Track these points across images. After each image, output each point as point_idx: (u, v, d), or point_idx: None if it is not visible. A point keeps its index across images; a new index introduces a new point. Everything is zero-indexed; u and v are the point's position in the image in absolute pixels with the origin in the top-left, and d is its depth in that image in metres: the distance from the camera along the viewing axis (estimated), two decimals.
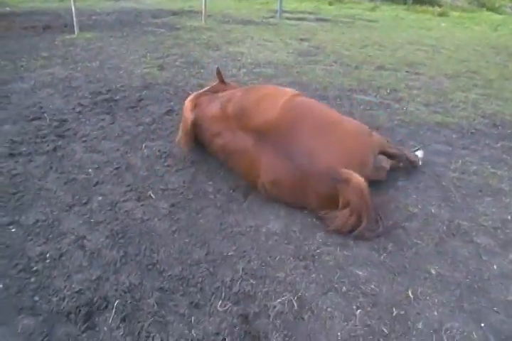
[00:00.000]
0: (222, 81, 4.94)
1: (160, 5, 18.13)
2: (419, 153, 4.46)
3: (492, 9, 24.77)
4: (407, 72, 8.65)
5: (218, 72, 4.92)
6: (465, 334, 2.48)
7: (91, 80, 6.97)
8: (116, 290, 2.71)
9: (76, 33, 10.50)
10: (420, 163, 4.36)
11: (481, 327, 2.54)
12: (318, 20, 15.63)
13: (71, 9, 10.56)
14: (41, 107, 5.72)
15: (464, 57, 10.45)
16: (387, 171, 3.97)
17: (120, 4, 17.77)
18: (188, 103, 4.47)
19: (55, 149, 4.56)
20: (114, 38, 10.48)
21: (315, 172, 3.29)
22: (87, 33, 10.64)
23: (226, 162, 4.04)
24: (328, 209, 3.39)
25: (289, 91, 4.02)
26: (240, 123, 3.77)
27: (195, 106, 4.37)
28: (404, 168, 4.25)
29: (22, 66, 7.69)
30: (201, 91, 4.76)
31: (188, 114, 4.33)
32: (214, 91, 4.69)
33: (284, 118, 3.57)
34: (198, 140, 4.35)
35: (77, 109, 5.69)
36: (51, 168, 4.19)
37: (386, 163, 3.97)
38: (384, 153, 3.97)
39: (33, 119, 5.31)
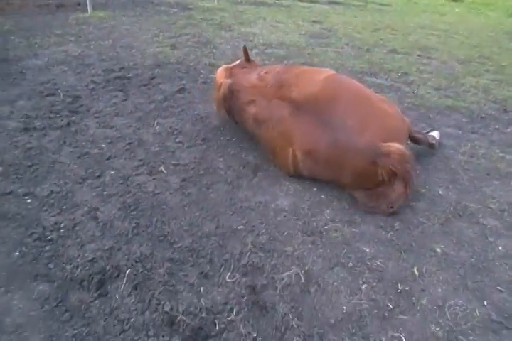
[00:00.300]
0: (247, 59, 4.92)
1: None
2: (436, 134, 4.49)
3: None
4: (418, 56, 8.63)
5: (245, 50, 4.89)
6: (468, 311, 2.53)
7: (104, 58, 7.00)
8: (127, 259, 2.78)
9: (89, 11, 10.50)
10: (437, 144, 4.38)
11: (484, 305, 2.59)
12: (330, 3, 15.53)
13: None
14: (55, 84, 5.77)
15: (477, 43, 10.38)
16: None
17: None
18: (221, 71, 4.54)
19: (68, 124, 4.61)
20: (127, 17, 10.48)
21: (355, 147, 3.25)
22: (99, 12, 10.64)
23: (255, 130, 4.01)
24: (361, 188, 3.44)
25: (329, 70, 4.01)
26: (278, 93, 3.75)
27: (230, 74, 4.41)
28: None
29: (36, 43, 7.71)
30: (230, 65, 4.79)
31: (222, 79, 4.37)
32: (241, 67, 4.71)
33: (325, 91, 3.54)
34: (229, 108, 4.35)
35: (91, 86, 5.74)
36: (65, 142, 4.25)
37: None
38: (410, 137, 4.02)
39: (47, 95, 5.36)
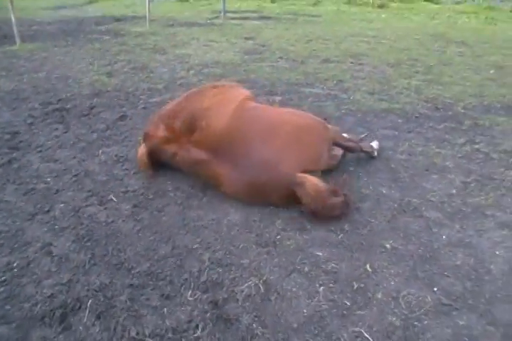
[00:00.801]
0: None
1: (102, 12, 17.95)
2: (375, 144, 4.58)
3: None
4: (351, 63, 8.91)
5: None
6: (420, 298, 2.68)
7: (39, 91, 6.91)
8: (88, 290, 2.78)
9: (17, 43, 10.31)
10: (376, 153, 4.49)
11: (434, 291, 2.74)
12: (261, 18, 15.81)
13: (9, 19, 10.35)
14: None
15: (405, 46, 10.80)
16: (339, 159, 4.18)
17: (61, 13, 17.52)
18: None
19: (10, 161, 4.54)
20: (59, 47, 10.37)
21: (273, 180, 3.41)
22: (29, 44, 10.48)
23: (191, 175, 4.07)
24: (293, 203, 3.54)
25: (238, 91, 4.09)
26: (191, 138, 3.82)
27: (147, 138, 4.24)
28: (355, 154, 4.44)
29: None
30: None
31: (140, 152, 4.27)
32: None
33: (233, 128, 3.63)
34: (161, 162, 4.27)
35: (29, 121, 5.66)
36: (8, 180, 4.18)
37: (338, 151, 4.16)
38: (337, 144, 4.09)
39: None
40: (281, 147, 3.48)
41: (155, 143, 4.09)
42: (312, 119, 3.92)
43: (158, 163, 4.21)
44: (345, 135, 4.32)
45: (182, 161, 3.95)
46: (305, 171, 3.45)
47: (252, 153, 3.48)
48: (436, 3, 23.84)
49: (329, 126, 4.06)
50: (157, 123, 4.13)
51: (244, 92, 4.20)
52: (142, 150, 4.22)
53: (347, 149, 4.22)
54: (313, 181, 3.35)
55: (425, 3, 23.66)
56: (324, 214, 3.39)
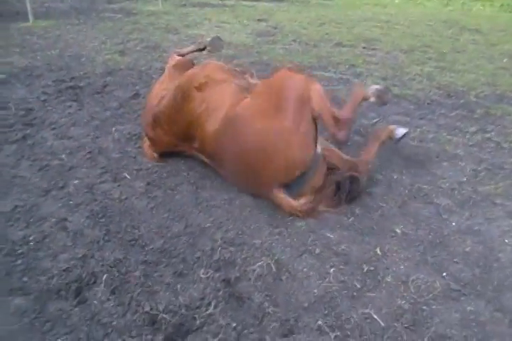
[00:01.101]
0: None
1: None
2: (400, 131, 3.90)
3: None
4: (364, 48, 8.88)
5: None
6: (429, 283, 2.72)
7: (53, 69, 6.95)
8: (102, 265, 2.84)
9: (31, 20, 10.32)
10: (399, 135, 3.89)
11: (443, 276, 2.79)
12: (274, 0, 15.69)
13: None
14: (4, 97, 5.70)
15: (418, 32, 10.74)
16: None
17: None
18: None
19: (24, 137, 4.60)
20: (71, 25, 10.38)
21: (258, 192, 3.51)
22: (42, 21, 10.50)
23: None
24: None
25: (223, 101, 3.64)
26: (193, 146, 3.87)
27: (153, 143, 4.23)
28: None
29: None
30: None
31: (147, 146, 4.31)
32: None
33: (219, 141, 3.52)
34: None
35: (42, 98, 5.70)
36: (23, 156, 4.24)
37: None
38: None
39: None
40: (256, 164, 3.30)
41: (163, 147, 4.14)
42: (278, 119, 3.25)
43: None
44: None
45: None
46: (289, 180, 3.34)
47: (235, 169, 3.52)
48: None
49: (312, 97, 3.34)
50: (155, 127, 4.04)
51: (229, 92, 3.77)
52: (148, 146, 4.27)
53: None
54: (288, 203, 3.31)
55: None
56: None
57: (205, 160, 3.85)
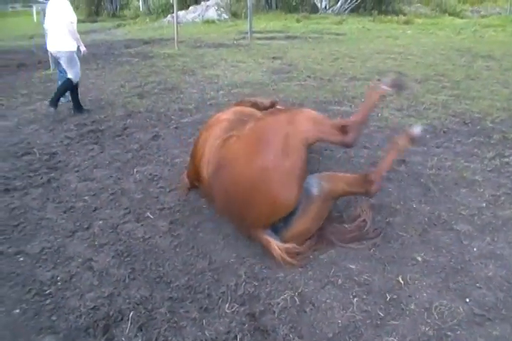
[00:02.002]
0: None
1: (130, 35, 18.51)
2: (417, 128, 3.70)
3: (454, 14, 25.57)
4: (378, 80, 8.97)
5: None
6: (453, 309, 2.72)
7: (74, 113, 7.16)
8: (129, 303, 2.90)
9: (51, 68, 10.70)
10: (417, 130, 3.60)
11: (466, 302, 2.79)
12: (287, 38, 16.06)
13: (42, 45, 10.74)
14: (29, 143, 5.92)
15: (431, 62, 10.86)
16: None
17: (91, 37, 18.07)
18: None
19: (49, 181, 4.74)
20: (90, 70, 10.74)
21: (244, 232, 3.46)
22: None
23: None
24: None
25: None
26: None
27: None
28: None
29: (2, 104, 7.91)
30: None
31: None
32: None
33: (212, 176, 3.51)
34: None
35: (65, 142, 5.89)
36: (48, 199, 4.37)
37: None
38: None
39: (22, 155, 5.50)
40: (240, 207, 3.24)
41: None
42: (264, 160, 3.17)
43: None
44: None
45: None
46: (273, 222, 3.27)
47: (226, 212, 3.52)
48: (462, 18, 23.88)
49: (301, 128, 3.26)
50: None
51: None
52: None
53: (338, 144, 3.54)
54: (272, 247, 3.18)
55: (450, 17, 23.74)
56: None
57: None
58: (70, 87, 7.09)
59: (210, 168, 3.54)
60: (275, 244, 3.19)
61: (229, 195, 3.28)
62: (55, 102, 7.00)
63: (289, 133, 3.17)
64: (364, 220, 3.54)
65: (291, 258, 3.17)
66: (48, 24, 6.99)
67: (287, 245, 3.20)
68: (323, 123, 3.36)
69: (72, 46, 6.94)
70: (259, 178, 3.10)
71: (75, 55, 7.06)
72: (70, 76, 7.01)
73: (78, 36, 7.00)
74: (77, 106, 7.30)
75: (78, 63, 7.13)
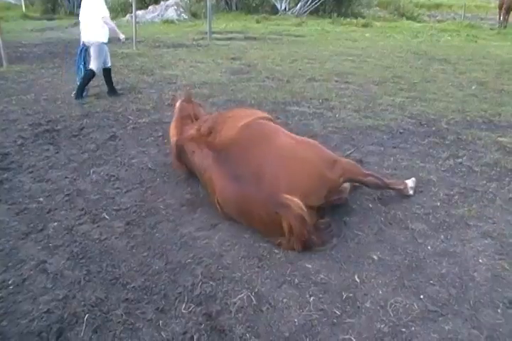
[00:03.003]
0: (189, 100, 5.14)
1: None
2: (411, 182, 4.24)
3: (411, 18, 26.21)
4: (336, 81, 9.12)
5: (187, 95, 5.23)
6: (407, 306, 2.78)
7: (28, 112, 6.98)
8: (84, 305, 2.84)
9: (4, 65, 10.40)
10: (411, 192, 4.18)
11: (420, 298, 2.85)
12: (247, 38, 16.08)
13: None
14: None
15: (389, 64, 11.08)
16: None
17: (47, 35, 17.67)
18: (172, 128, 4.78)
19: (1, 182, 4.60)
20: (46, 69, 10.50)
21: (259, 197, 3.35)
22: (16, 66, 10.58)
23: (200, 178, 4.15)
24: (273, 235, 3.45)
25: (256, 113, 4.25)
26: (207, 140, 3.97)
27: (179, 131, 4.60)
28: None
29: None
30: (177, 116, 4.94)
31: (172, 138, 4.58)
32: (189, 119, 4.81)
33: (240, 138, 3.72)
34: (183, 162, 4.50)
35: (19, 142, 5.72)
36: (0, 200, 4.23)
37: (345, 185, 3.94)
38: (354, 180, 3.95)
39: None
40: (277, 170, 3.41)
41: (182, 139, 4.37)
42: (319, 154, 3.70)
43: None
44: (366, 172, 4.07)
45: (196, 161, 4.10)
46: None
47: (249, 166, 3.50)
48: (419, 22, 24.46)
49: (343, 163, 3.77)
50: (195, 123, 4.50)
51: (264, 114, 4.40)
52: (172, 143, 4.58)
53: (366, 185, 3.99)
54: (299, 204, 3.24)
55: (408, 21, 24.28)
56: (306, 243, 3.31)
57: (206, 158, 3.87)
58: (92, 77, 7.79)
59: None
60: (298, 202, 3.21)
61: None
62: (80, 94, 7.75)
63: None
64: (327, 222, 3.56)
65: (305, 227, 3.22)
66: (82, 17, 7.68)
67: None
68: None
69: (102, 38, 7.61)
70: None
71: (104, 47, 7.73)
72: (92, 67, 7.68)
73: (115, 26, 7.89)
74: (112, 90, 8.11)
75: (104, 55, 7.77)
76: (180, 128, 4.64)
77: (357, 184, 4.06)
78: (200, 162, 3.99)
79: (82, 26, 7.72)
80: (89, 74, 7.71)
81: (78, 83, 7.84)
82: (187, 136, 4.33)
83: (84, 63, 7.94)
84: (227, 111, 4.42)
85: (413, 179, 4.29)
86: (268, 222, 3.37)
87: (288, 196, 3.24)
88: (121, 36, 8.16)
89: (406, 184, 4.19)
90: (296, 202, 3.21)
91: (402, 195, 4.17)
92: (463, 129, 6.13)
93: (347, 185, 3.98)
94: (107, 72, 7.98)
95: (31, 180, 4.65)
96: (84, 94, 7.90)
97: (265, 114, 4.42)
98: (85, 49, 7.85)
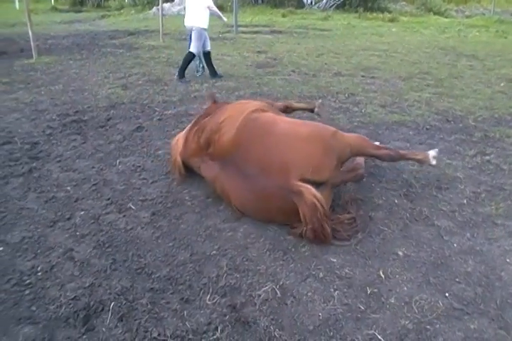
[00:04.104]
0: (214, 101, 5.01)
1: (115, 26, 18.32)
2: (433, 152, 4.17)
3: (439, 13, 25.78)
4: (362, 76, 9.05)
5: (210, 96, 5.11)
6: (432, 303, 2.76)
7: (57, 103, 7.09)
8: (110, 293, 2.88)
9: (34, 57, 10.56)
10: (434, 162, 4.15)
11: (446, 296, 2.83)
12: (273, 32, 16.04)
13: (25, 34, 10.62)
14: (10, 131, 5.81)
15: (416, 60, 10.95)
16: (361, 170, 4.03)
17: (75, 27, 17.87)
18: (175, 144, 4.58)
19: (30, 171, 4.68)
20: (74, 60, 10.62)
21: (273, 190, 3.37)
22: (45, 57, 10.74)
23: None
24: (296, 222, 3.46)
25: (247, 107, 4.13)
26: (208, 152, 3.96)
27: (185, 143, 4.41)
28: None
29: None
30: (192, 123, 4.70)
31: (176, 157, 4.42)
32: (207, 113, 4.65)
33: (238, 140, 3.71)
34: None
35: (47, 132, 5.81)
36: (29, 188, 4.31)
37: (359, 161, 4.07)
38: (364, 154, 4.02)
39: (3, 144, 5.39)
40: (279, 156, 3.45)
41: (185, 155, 4.29)
42: (317, 128, 3.78)
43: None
44: (376, 143, 4.22)
45: (204, 175, 4.07)
46: (304, 180, 3.37)
47: (252, 162, 3.53)
48: (447, 17, 24.09)
49: (348, 135, 3.92)
50: (193, 134, 4.29)
51: (254, 104, 4.27)
52: (177, 162, 4.39)
53: (379, 158, 4.04)
54: (311, 191, 3.26)
55: (435, 17, 23.92)
56: (323, 232, 3.31)
57: (213, 170, 3.88)
58: (191, 59, 8.76)
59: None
60: (310, 188, 3.25)
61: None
62: (182, 74, 8.67)
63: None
64: (353, 217, 3.57)
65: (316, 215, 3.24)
66: (188, 4, 8.70)
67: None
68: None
69: (203, 24, 8.58)
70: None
71: (204, 32, 8.68)
72: (192, 49, 8.64)
73: (219, 12, 9.11)
74: (213, 73, 8.99)
75: (203, 40, 8.68)
76: (187, 140, 4.42)
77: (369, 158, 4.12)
78: (208, 174, 3.98)
79: (187, 13, 8.68)
80: (189, 56, 8.68)
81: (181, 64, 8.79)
82: (189, 150, 4.25)
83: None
84: (217, 114, 4.22)
85: (436, 149, 4.24)
86: (289, 211, 3.38)
87: (299, 183, 3.28)
88: (224, 19, 9.60)
89: (427, 154, 4.16)
90: (308, 188, 3.25)
91: (425, 164, 4.24)
92: (491, 126, 6.05)
93: (361, 160, 4.09)
94: (206, 55, 8.90)
95: (59, 169, 4.72)
96: (199, 72, 9.13)
97: (257, 103, 4.38)
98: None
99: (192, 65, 8.99)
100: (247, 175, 3.52)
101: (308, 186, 3.28)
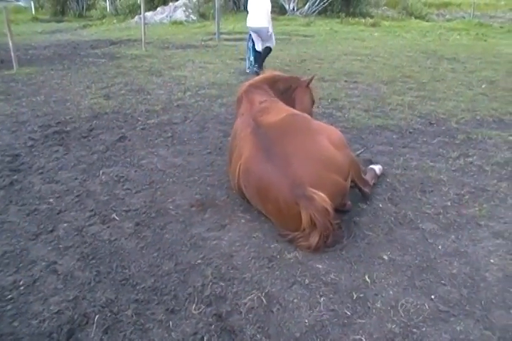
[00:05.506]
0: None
1: (97, 35, 18.27)
2: (377, 168, 4.48)
3: (420, 17, 26.11)
4: (345, 81, 9.11)
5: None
6: (418, 306, 2.76)
7: (38, 114, 7.01)
8: (94, 306, 2.84)
9: (15, 68, 10.47)
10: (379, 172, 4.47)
11: (432, 298, 2.83)
12: None
13: (5, 44, 10.50)
14: None
15: (398, 64, 11.05)
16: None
17: (56, 37, 17.79)
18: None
19: (11, 183, 4.61)
20: (55, 71, 10.55)
21: (283, 183, 3.32)
22: (26, 68, 10.64)
23: (233, 139, 4.29)
24: (283, 227, 3.49)
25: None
26: (256, 114, 4.08)
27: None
28: None
29: None
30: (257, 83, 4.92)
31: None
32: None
33: (283, 123, 3.78)
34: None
35: (29, 143, 5.74)
36: (11, 201, 4.25)
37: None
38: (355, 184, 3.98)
39: None
40: (302, 163, 3.40)
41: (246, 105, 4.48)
42: (345, 164, 3.65)
43: None
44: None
45: (238, 122, 4.36)
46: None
47: (281, 149, 3.50)
48: (428, 21, 24.38)
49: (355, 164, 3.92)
50: (262, 95, 4.65)
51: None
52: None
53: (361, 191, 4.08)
54: (323, 197, 3.20)
55: (417, 20, 24.20)
56: (328, 238, 3.28)
57: (248, 126, 3.99)
58: (269, 52, 10.13)
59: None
60: (323, 196, 3.21)
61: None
62: (260, 66, 9.91)
63: None
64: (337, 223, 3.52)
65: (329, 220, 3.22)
66: (251, 7, 9.72)
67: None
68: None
69: (268, 23, 9.63)
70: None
71: (271, 30, 9.83)
72: (268, 44, 9.90)
73: (270, 19, 9.87)
74: (260, 65, 9.95)
75: (273, 35, 10.04)
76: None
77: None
78: (241, 125, 4.16)
79: (250, 15, 9.68)
80: (267, 50, 9.96)
81: (252, 59, 10.06)
82: (249, 104, 4.44)
83: (253, 44, 9.93)
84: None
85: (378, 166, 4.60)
86: (283, 209, 3.36)
87: (313, 189, 3.23)
88: (271, 30, 9.94)
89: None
90: (320, 195, 3.20)
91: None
92: (473, 128, 6.11)
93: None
94: (266, 50, 9.97)
95: (41, 181, 4.67)
96: (255, 69, 9.85)
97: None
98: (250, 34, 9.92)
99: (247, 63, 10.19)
100: (268, 154, 3.51)
101: (321, 193, 3.22)
